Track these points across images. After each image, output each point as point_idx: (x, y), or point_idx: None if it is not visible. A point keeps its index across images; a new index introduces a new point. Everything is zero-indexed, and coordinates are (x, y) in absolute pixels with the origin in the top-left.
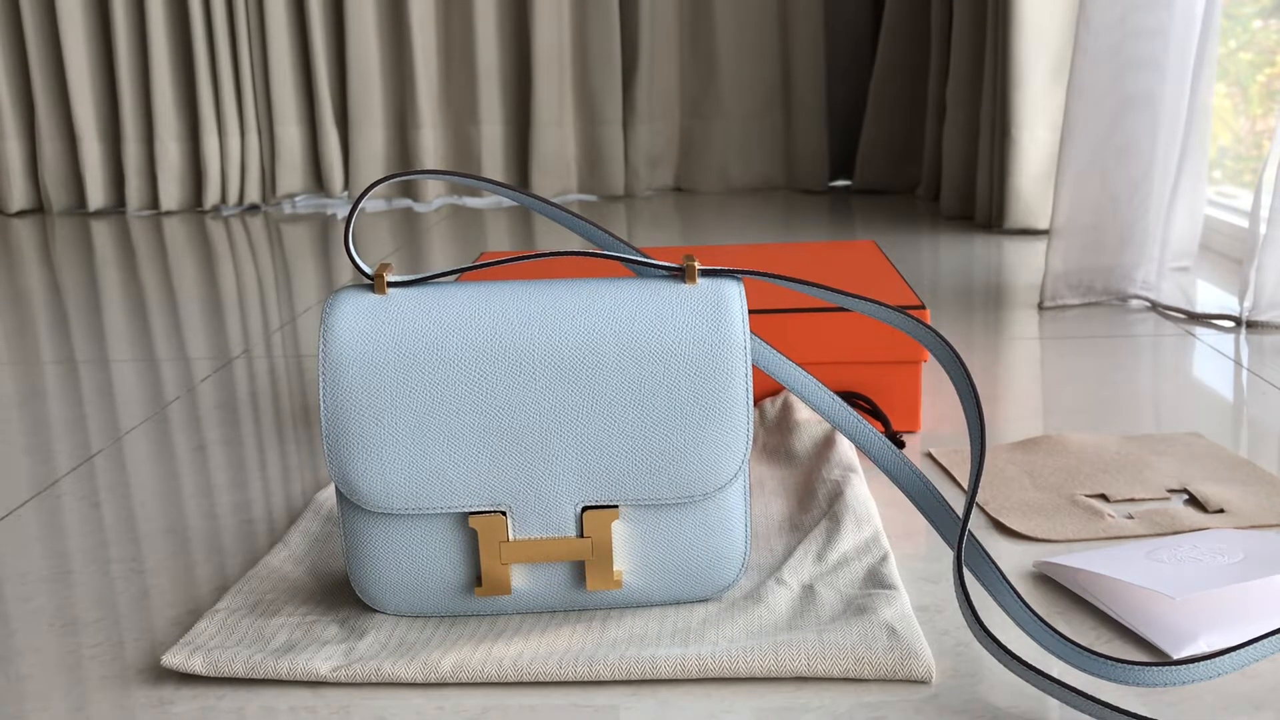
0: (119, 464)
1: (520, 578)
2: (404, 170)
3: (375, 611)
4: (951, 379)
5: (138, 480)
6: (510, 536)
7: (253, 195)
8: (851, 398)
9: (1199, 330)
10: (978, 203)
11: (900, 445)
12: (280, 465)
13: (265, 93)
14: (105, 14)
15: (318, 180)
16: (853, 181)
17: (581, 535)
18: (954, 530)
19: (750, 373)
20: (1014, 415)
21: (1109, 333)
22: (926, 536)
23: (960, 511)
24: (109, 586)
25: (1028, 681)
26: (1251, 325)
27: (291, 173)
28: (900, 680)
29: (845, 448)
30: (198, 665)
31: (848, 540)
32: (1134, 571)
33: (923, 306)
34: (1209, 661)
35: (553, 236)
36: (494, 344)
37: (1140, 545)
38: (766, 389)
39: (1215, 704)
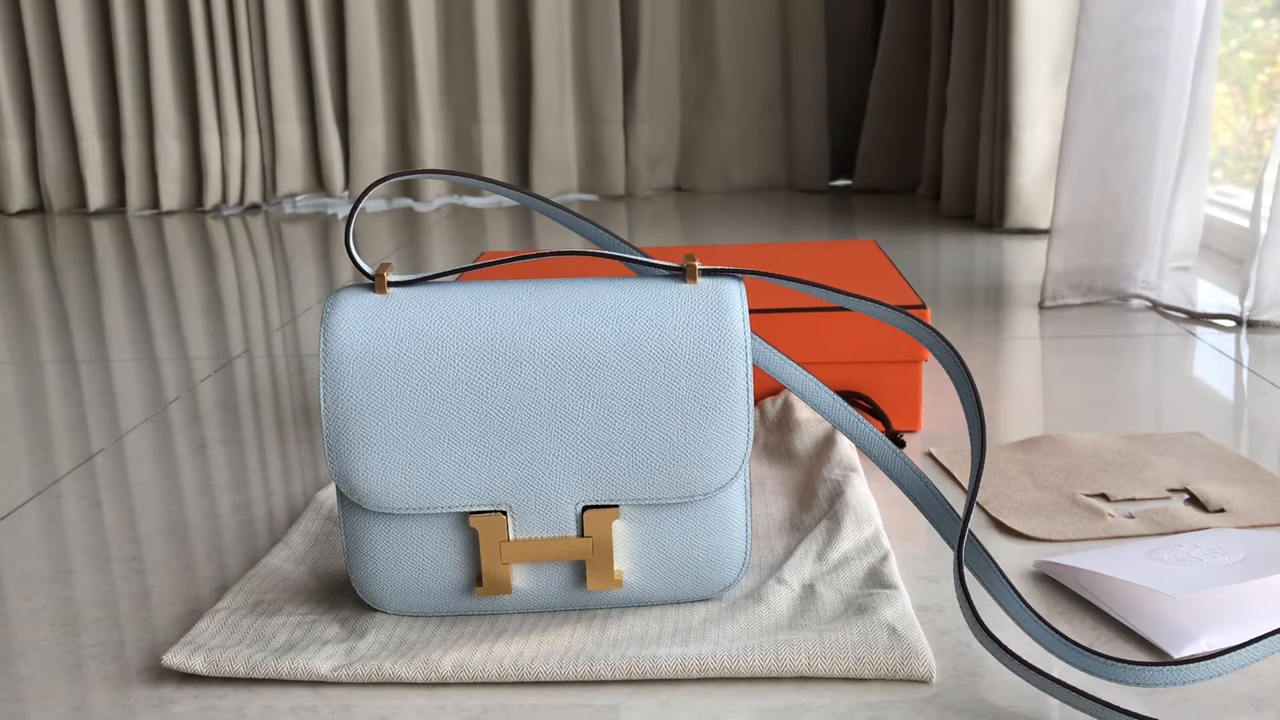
0: (120, 464)
1: (521, 577)
2: (404, 170)
3: (376, 611)
4: (952, 379)
5: (138, 480)
6: (511, 536)
7: (253, 194)
8: (852, 397)
9: (1200, 330)
10: (978, 202)
11: (901, 445)
12: (281, 465)
13: (266, 92)
14: (106, 13)
15: (318, 179)
16: (853, 181)
17: (582, 535)
18: (954, 530)
19: (751, 372)
20: (1014, 415)
21: (1110, 332)
22: (927, 536)
23: (961, 511)
24: (110, 586)
25: (1028, 681)
26: (1252, 325)
27: (292, 172)
28: (901, 680)
29: (846, 447)
30: (198, 665)
31: (848, 540)
32: (1134, 571)
33: (923, 306)
34: (1209, 661)
35: (553, 236)
36: (495, 343)
37: (1141, 545)
38: (767, 388)
39: (1215, 704)
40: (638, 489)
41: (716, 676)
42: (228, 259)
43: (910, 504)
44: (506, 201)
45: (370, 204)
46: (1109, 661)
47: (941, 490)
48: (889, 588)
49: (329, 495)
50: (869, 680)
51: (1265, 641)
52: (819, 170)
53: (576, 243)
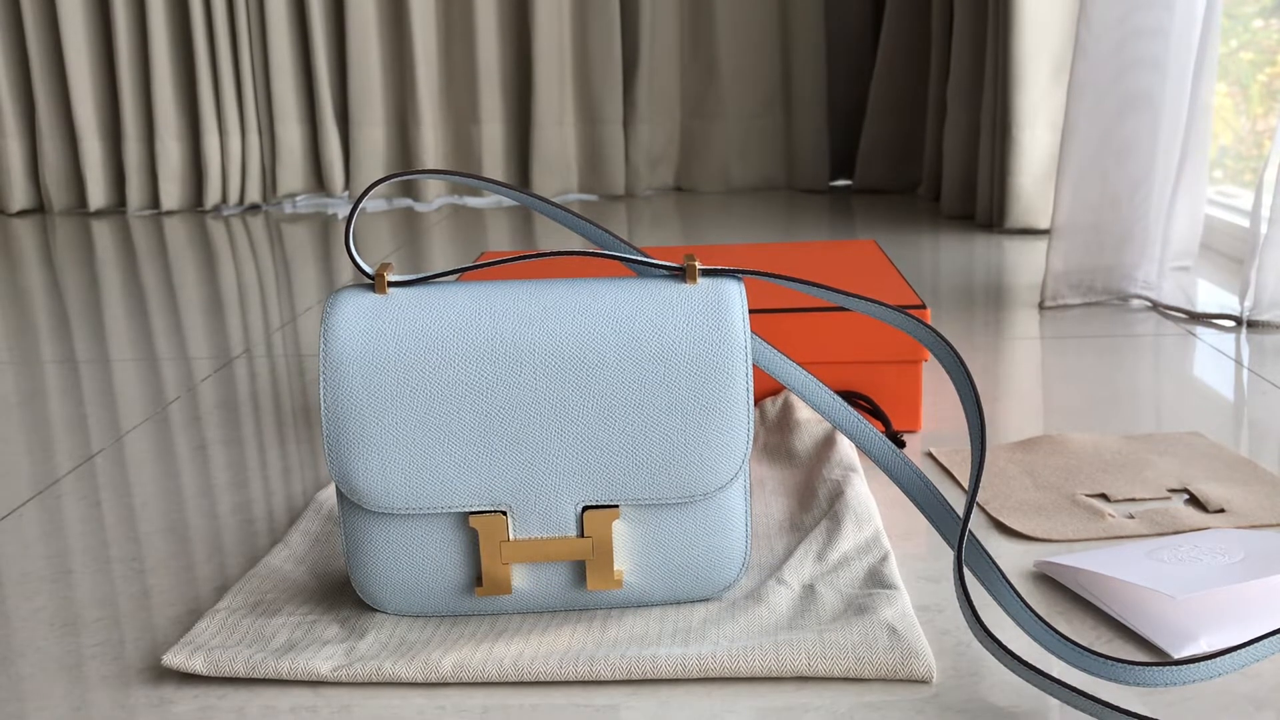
0: (120, 464)
1: (520, 577)
2: (405, 170)
3: (376, 611)
4: (952, 379)
5: (138, 480)
6: (511, 536)
7: (253, 195)
8: (852, 397)
9: (1200, 330)
10: (978, 202)
11: (901, 445)
12: (281, 465)
13: (266, 92)
14: (106, 13)
15: (318, 180)
16: (853, 181)
17: (582, 535)
18: (954, 530)
19: (751, 372)
20: (1014, 415)
21: (1110, 332)
22: (927, 536)
23: (961, 511)
24: (110, 586)
25: (1028, 681)
26: (1252, 325)
27: (292, 172)
28: (901, 680)
29: (846, 447)
30: (198, 665)
31: (848, 540)
32: (1134, 571)
33: (923, 306)
34: (1209, 661)
35: (553, 236)
36: (495, 343)
37: (1141, 545)
38: (767, 389)
39: (1216, 704)
40: (638, 489)
41: (716, 676)
42: (228, 259)
43: (910, 504)
44: (506, 201)
45: (370, 204)
46: (1109, 661)
47: (941, 490)
48: (889, 588)
49: (329, 495)
50: (869, 680)
51: (1265, 641)
52: (819, 170)
53: (576, 243)
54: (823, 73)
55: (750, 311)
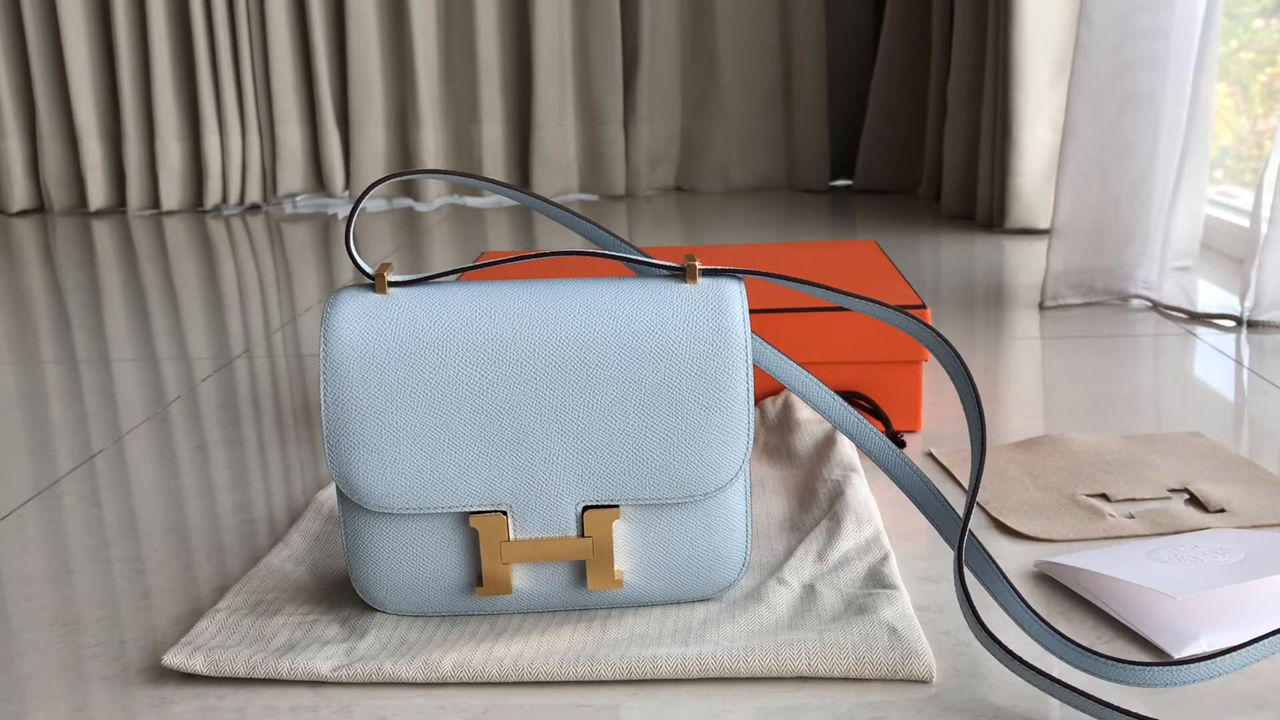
0: (120, 464)
1: (521, 577)
2: (405, 170)
3: (376, 611)
4: (952, 379)
5: (139, 480)
6: (511, 536)
7: (254, 195)
8: (852, 397)
9: (1200, 330)
10: (979, 202)
11: (901, 445)
12: (281, 465)
13: (266, 92)
14: (106, 13)
15: (319, 180)
16: (854, 181)
17: (582, 535)
18: (955, 530)
19: (751, 372)
20: (1015, 415)
21: (1110, 332)
22: (927, 536)
23: (961, 511)
24: (110, 586)
25: (1028, 681)
26: (1252, 325)
27: (292, 172)
28: (901, 680)
29: (846, 447)
30: (199, 665)
31: (849, 540)
32: (1135, 571)
33: (924, 306)
34: (1210, 661)
35: (554, 236)
36: (495, 343)
37: (1141, 545)
38: (767, 388)
39: (1216, 704)
40: (638, 489)
41: (716, 676)
42: (228, 259)
43: (910, 504)
44: (506, 201)
45: (370, 204)
46: (1109, 661)
47: (941, 490)
48: (889, 588)
49: (329, 495)
50: (869, 680)
51: (1265, 641)
52: (819, 170)
53: (577, 243)
54: (823, 73)
55: (750, 311)
